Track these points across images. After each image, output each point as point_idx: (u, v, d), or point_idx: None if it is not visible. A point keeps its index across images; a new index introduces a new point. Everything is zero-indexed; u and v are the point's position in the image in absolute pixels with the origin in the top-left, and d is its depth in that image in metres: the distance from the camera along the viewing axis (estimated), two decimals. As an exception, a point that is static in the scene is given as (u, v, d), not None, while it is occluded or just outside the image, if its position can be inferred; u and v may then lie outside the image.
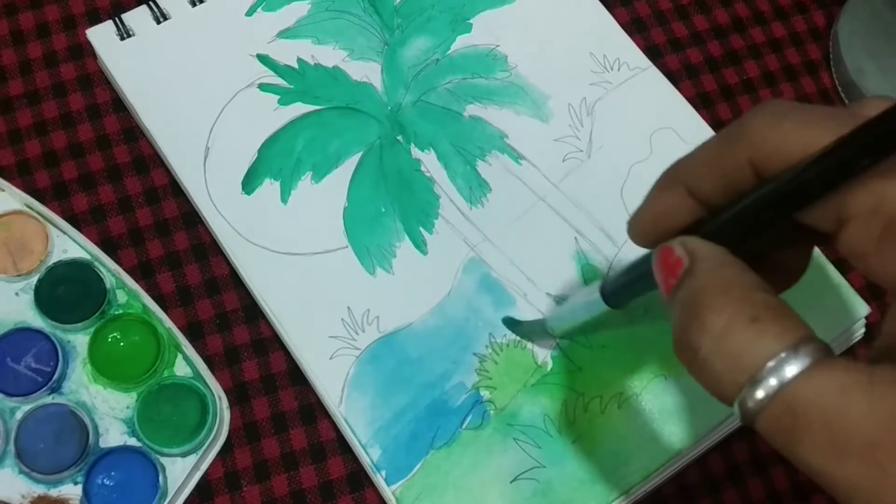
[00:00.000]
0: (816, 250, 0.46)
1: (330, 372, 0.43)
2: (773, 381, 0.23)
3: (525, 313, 0.44)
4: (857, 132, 0.24)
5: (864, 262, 0.25)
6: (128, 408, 0.43)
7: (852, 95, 0.52)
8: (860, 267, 0.25)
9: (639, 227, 0.31)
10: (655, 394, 0.44)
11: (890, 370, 0.23)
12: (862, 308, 0.46)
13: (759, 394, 0.23)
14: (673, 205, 0.29)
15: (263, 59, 0.48)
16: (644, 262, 0.32)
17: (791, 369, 0.23)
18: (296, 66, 0.48)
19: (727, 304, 0.25)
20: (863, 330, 0.46)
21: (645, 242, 0.31)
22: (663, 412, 0.43)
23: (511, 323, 0.44)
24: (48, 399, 0.42)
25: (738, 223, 0.27)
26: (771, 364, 0.23)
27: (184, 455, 0.42)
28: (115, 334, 0.43)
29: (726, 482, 0.45)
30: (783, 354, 0.23)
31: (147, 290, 0.45)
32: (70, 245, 0.45)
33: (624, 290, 0.35)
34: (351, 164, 0.47)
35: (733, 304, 0.25)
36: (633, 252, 0.46)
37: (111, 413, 0.43)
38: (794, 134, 0.25)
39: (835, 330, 0.45)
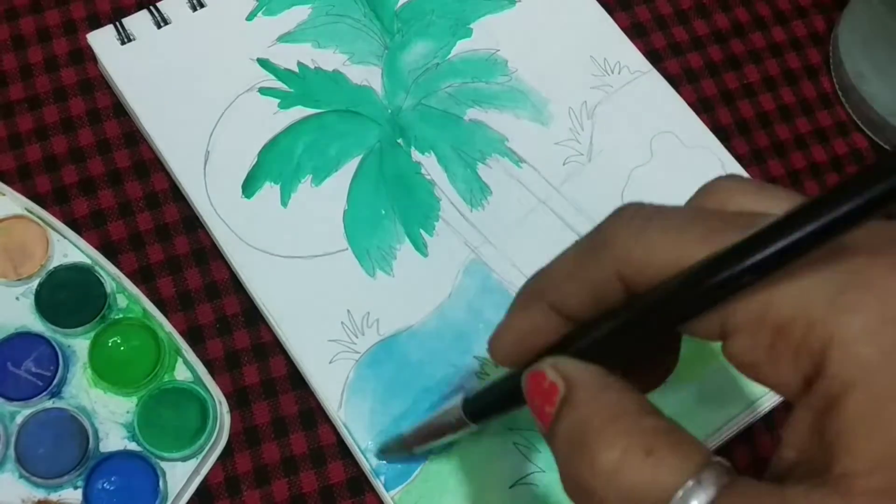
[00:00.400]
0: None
1: (329, 376, 0.43)
2: None
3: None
4: (738, 247, 0.22)
5: (757, 373, 0.23)
6: (128, 412, 0.43)
7: (852, 99, 0.52)
8: (753, 377, 0.23)
9: (501, 348, 0.29)
10: (656, 399, 0.43)
11: (803, 494, 0.21)
12: None
13: None
14: (537, 322, 0.27)
15: (264, 63, 0.48)
16: (510, 379, 0.29)
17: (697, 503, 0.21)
18: (296, 69, 0.48)
19: (617, 438, 0.23)
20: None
21: (509, 363, 0.29)
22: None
23: (379, 452, 0.42)
24: (48, 403, 0.42)
25: (612, 341, 0.25)
26: (674, 500, 0.21)
27: (184, 459, 0.42)
28: (116, 339, 0.43)
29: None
30: (688, 485, 0.22)
31: (147, 295, 0.45)
32: (70, 249, 0.45)
33: (489, 408, 0.33)
34: (351, 167, 0.47)
35: (624, 437, 0.23)
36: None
37: (111, 417, 0.43)
38: (660, 242, 0.24)
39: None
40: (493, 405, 0.32)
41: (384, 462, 0.42)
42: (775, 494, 0.21)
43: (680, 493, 0.21)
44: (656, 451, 0.22)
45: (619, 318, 0.25)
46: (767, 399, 0.44)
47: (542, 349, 0.27)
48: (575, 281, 0.26)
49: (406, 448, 0.41)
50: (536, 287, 0.28)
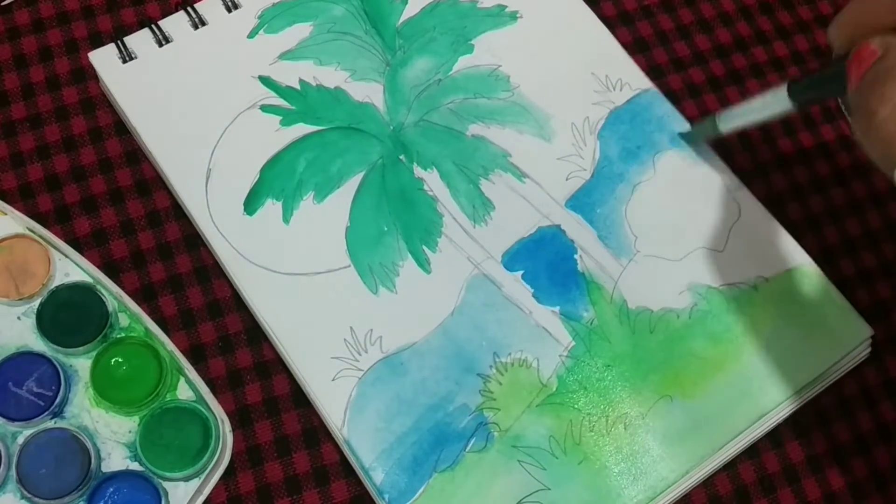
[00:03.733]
0: (819, 272, 0.46)
1: (332, 394, 0.43)
2: None
3: (528, 333, 0.44)
4: None
5: None
6: (130, 432, 0.43)
7: (856, 112, 0.52)
8: None
9: (841, 28, 0.33)
10: (661, 414, 0.43)
11: None
12: (865, 329, 0.45)
13: None
14: (875, 5, 0.32)
15: (265, 80, 0.48)
16: (836, 66, 0.34)
17: None
18: (298, 87, 0.48)
19: None
20: (868, 350, 0.46)
21: (844, 41, 0.33)
22: (669, 433, 0.43)
23: (684, 136, 0.48)
24: (50, 423, 0.42)
25: None
26: None
27: (186, 479, 0.42)
28: (118, 358, 0.43)
29: (733, 503, 0.44)
30: None
31: (149, 314, 0.45)
32: (72, 268, 0.45)
33: (812, 86, 0.39)
34: (353, 183, 0.47)
35: None
36: (640, 269, 0.46)
37: (113, 437, 0.42)
38: None
39: (838, 352, 0.45)
40: (817, 86, 0.39)
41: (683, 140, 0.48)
42: None
43: None
44: None
45: None
46: (773, 415, 0.44)
47: (876, 30, 0.32)
48: None
49: (716, 126, 0.46)
50: None
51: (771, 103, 0.43)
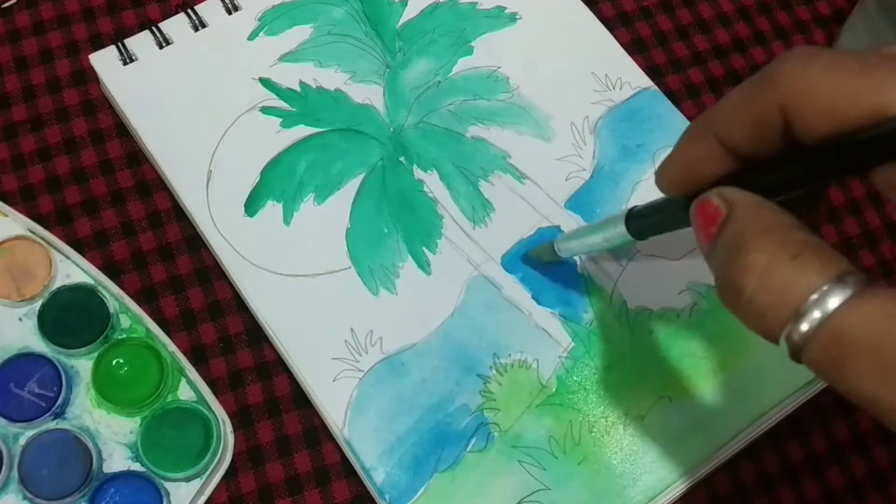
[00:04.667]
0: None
1: (333, 395, 0.43)
2: (817, 314, 0.24)
3: (528, 334, 0.44)
4: None
5: None
6: (131, 433, 0.43)
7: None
8: (892, 197, 0.27)
9: (668, 176, 0.32)
10: (661, 415, 0.43)
11: None
12: None
13: (804, 326, 0.24)
14: (703, 153, 0.30)
15: (266, 82, 0.49)
16: (673, 203, 0.33)
17: (834, 300, 0.24)
18: (298, 89, 0.49)
19: (768, 244, 0.25)
20: None
21: (674, 191, 0.32)
22: (669, 433, 0.43)
23: (525, 258, 0.46)
24: (52, 424, 0.42)
25: (772, 181, 0.28)
26: (814, 297, 0.24)
27: (188, 480, 0.42)
28: (119, 359, 0.43)
29: (733, 502, 0.45)
30: (826, 287, 0.24)
31: (150, 315, 0.45)
32: (73, 270, 0.45)
33: (651, 226, 0.36)
34: (353, 185, 0.47)
35: (774, 243, 0.25)
36: (639, 269, 0.46)
37: (115, 438, 0.43)
38: (822, 77, 0.26)
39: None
40: (655, 226, 0.36)
41: (523, 265, 0.45)
42: None
43: (819, 292, 0.24)
44: (802, 256, 0.25)
45: (782, 160, 0.28)
46: (772, 414, 0.44)
47: (704, 179, 0.30)
48: (740, 112, 0.29)
49: (554, 251, 0.43)
50: (705, 121, 0.30)
51: (609, 232, 0.39)
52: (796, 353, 0.25)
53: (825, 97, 0.26)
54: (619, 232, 0.37)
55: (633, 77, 0.50)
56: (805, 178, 0.27)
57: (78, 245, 0.46)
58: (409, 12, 0.51)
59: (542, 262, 0.45)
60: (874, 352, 0.23)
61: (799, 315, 0.24)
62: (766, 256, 0.25)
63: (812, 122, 0.26)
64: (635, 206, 0.37)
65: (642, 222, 0.36)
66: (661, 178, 0.32)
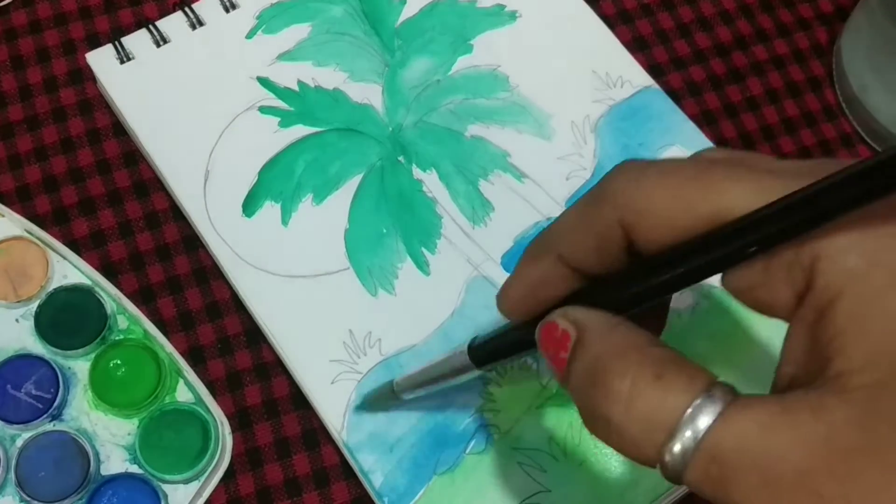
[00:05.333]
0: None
1: (331, 397, 0.42)
2: (689, 434, 0.23)
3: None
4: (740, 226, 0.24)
5: (753, 296, 0.25)
6: (129, 434, 0.43)
7: (856, 111, 0.52)
8: (749, 302, 0.25)
9: (511, 300, 0.30)
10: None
11: (802, 396, 0.22)
12: None
13: (678, 448, 0.23)
14: (546, 274, 0.28)
15: (264, 81, 0.48)
16: (517, 329, 0.31)
17: (705, 419, 0.22)
18: (296, 88, 0.48)
19: (628, 367, 0.24)
20: None
21: (518, 315, 0.30)
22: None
23: (361, 406, 0.43)
24: (49, 426, 0.42)
25: (615, 297, 0.27)
26: (685, 417, 0.23)
27: (186, 482, 0.42)
28: (116, 360, 0.43)
29: None
30: (696, 402, 0.23)
31: (148, 315, 0.45)
32: (70, 270, 0.45)
33: (495, 354, 0.34)
34: (352, 185, 0.47)
35: (634, 366, 0.24)
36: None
37: (112, 440, 0.42)
38: (657, 190, 0.25)
39: None
40: (499, 352, 0.33)
41: (364, 412, 0.42)
42: (776, 402, 0.22)
43: (689, 410, 0.23)
44: (665, 376, 0.24)
45: (627, 276, 0.27)
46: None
47: (549, 301, 0.29)
48: (580, 231, 0.28)
49: (396, 394, 0.41)
50: (544, 241, 0.29)
51: (448, 367, 0.37)
52: (676, 477, 0.23)
53: (662, 209, 0.25)
54: (462, 362, 0.35)
55: (634, 75, 0.50)
56: (651, 291, 0.26)
57: (75, 245, 0.46)
58: (409, 10, 0.51)
59: (378, 408, 0.42)
60: (754, 469, 0.22)
61: (672, 438, 0.23)
62: (628, 381, 0.24)
63: (652, 234, 0.25)
64: (477, 336, 0.35)
65: (486, 348, 0.34)
66: (503, 301, 0.30)
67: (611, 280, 0.27)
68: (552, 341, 0.27)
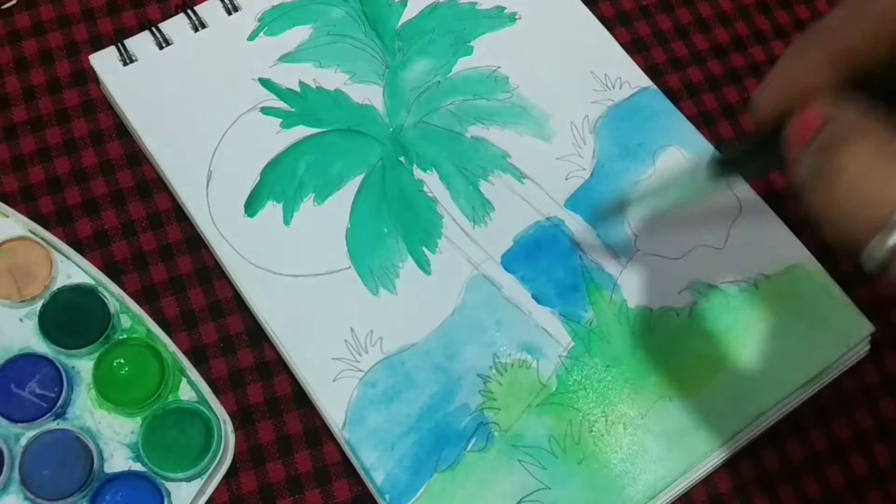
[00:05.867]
0: (820, 269, 0.46)
1: (333, 395, 0.43)
2: None
3: (528, 334, 0.44)
4: None
5: None
6: (132, 433, 0.43)
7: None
8: None
9: (769, 95, 0.30)
10: (661, 415, 0.43)
11: None
12: (866, 326, 0.45)
13: (893, 240, 0.23)
14: (809, 66, 0.28)
15: (265, 82, 0.49)
16: (762, 135, 0.31)
17: None
18: (298, 89, 0.49)
19: (866, 146, 0.24)
20: (868, 347, 0.46)
21: (771, 111, 0.30)
22: (669, 432, 0.43)
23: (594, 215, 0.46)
24: (53, 425, 0.42)
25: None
26: None
27: (189, 480, 0.42)
28: (120, 359, 0.43)
29: (733, 501, 0.45)
30: None
31: (151, 315, 0.45)
32: (74, 270, 0.45)
33: (737, 163, 0.35)
34: (353, 185, 0.47)
35: (872, 146, 0.24)
36: (640, 267, 0.46)
37: (116, 438, 0.43)
38: None
39: (839, 348, 0.45)
40: (742, 161, 0.34)
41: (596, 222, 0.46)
42: None
43: None
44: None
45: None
46: (773, 413, 0.44)
47: (806, 95, 0.28)
48: (857, 17, 0.27)
49: (623, 206, 0.44)
50: (812, 35, 0.29)
51: (684, 179, 0.39)
52: (883, 261, 0.23)
53: None
54: (695, 176, 0.36)
55: (633, 76, 0.50)
56: None
57: (78, 245, 0.46)
58: (409, 12, 0.51)
59: (605, 220, 0.46)
60: None
61: (891, 223, 0.23)
62: (862, 159, 0.24)
63: None
64: (720, 143, 0.36)
65: (728, 162, 0.35)
66: (765, 92, 0.30)
67: (873, 76, 0.27)
68: (804, 123, 0.27)
